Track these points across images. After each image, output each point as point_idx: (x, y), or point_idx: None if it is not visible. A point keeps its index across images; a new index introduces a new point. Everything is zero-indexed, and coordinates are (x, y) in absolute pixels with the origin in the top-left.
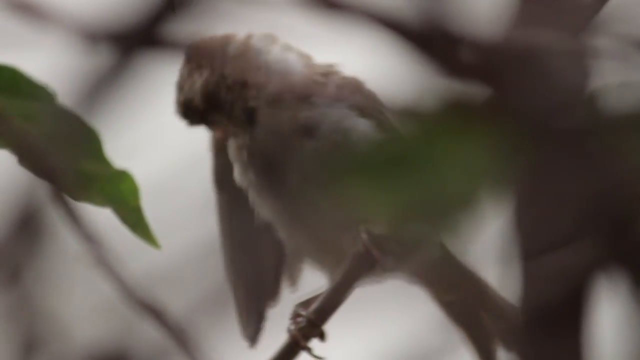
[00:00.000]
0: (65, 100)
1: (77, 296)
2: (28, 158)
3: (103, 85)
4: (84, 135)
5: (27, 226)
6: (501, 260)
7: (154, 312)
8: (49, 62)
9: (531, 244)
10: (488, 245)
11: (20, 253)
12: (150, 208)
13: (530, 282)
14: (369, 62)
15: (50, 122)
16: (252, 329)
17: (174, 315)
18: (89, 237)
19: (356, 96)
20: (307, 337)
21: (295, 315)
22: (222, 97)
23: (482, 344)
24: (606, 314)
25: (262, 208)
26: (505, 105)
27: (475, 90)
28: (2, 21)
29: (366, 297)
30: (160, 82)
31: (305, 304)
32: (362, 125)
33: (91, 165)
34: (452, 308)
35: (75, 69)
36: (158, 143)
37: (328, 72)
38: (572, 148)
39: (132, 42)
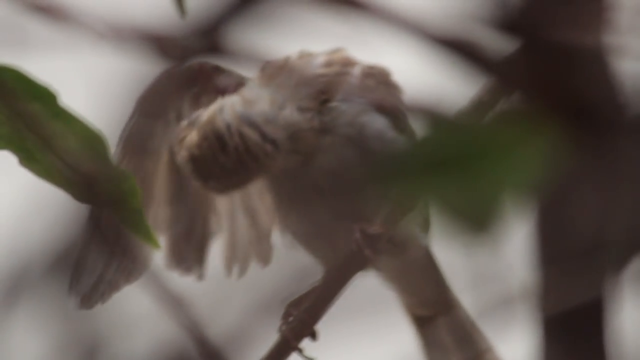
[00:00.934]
0: (102, 103)
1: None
2: (30, 159)
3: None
4: (86, 137)
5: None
6: (526, 265)
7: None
8: (82, 64)
9: (555, 249)
10: (514, 249)
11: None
12: None
13: (553, 287)
14: (409, 68)
15: (53, 124)
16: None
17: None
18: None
19: (379, 89)
20: (299, 337)
21: (287, 315)
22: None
23: (435, 355)
24: (629, 318)
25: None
26: (550, 108)
27: (517, 95)
28: (27, 23)
29: (357, 301)
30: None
31: (297, 302)
32: (378, 122)
33: (93, 166)
34: (419, 322)
35: (114, 72)
36: None
37: (352, 63)
38: (620, 150)
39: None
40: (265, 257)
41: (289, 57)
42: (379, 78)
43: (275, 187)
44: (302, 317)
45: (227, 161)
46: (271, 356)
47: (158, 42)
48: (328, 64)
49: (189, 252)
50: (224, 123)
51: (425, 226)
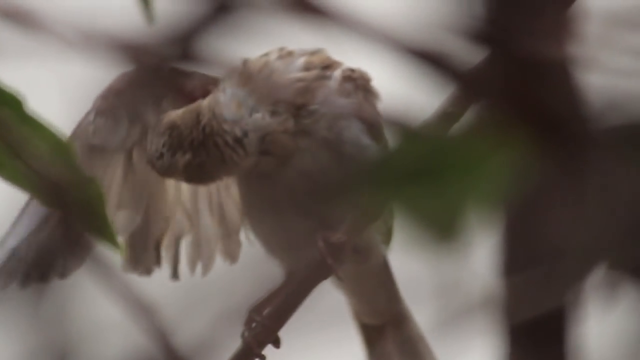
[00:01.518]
0: (73, 111)
1: (106, 305)
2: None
3: None
4: (52, 142)
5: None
6: (491, 274)
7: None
8: (53, 72)
9: (520, 258)
10: (480, 259)
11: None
12: None
13: (516, 295)
14: (380, 77)
15: (19, 130)
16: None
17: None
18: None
19: (358, 94)
20: (262, 344)
21: (249, 321)
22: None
23: None
24: (593, 328)
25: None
26: (517, 119)
27: (485, 105)
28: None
29: (319, 309)
30: None
31: (259, 308)
32: (355, 127)
33: (60, 172)
34: (368, 333)
35: (84, 80)
36: None
37: (332, 65)
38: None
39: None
40: (233, 254)
41: (269, 55)
42: (358, 83)
43: (246, 187)
44: (265, 323)
45: (198, 138)
46: None
47: (129, 50)
48: (307, 67)
49: (147, 253)
50: (204, 113)
51: (387, 236)
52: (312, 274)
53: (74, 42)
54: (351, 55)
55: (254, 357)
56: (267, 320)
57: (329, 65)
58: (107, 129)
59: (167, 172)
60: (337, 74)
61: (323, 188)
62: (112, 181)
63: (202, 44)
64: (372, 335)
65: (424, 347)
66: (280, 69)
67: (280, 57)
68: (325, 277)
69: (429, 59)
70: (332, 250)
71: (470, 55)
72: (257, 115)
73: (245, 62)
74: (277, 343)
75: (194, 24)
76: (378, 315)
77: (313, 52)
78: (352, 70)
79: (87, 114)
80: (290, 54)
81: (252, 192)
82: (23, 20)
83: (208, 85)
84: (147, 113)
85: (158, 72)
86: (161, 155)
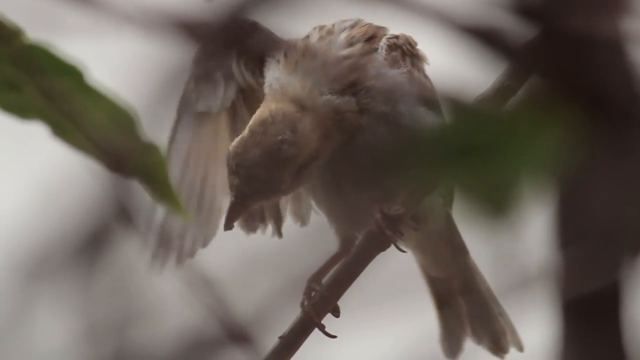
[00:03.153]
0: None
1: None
2: (61, 131)
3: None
4: (114, 111)
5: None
6: (545, 249)
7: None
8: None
9: (574, 234)
10: (533, 233)
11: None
12: None
13: (570, 270)
14: (433, 55)
15: (81, 100)
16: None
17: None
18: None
19: (406, 60)
20: (321, 314)
21: (309, 291)
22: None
23: (452, 330)
24: None
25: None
26: (568, 95)
27: (536, 81)
28: (56, 8)
29: (380, 281)
30: None
31: (318, 277)
32: (409, 97)
33: (121, 140)
34: (436, 285)
35: (142, 57)
36: None
37: (375, 34)
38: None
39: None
40: (303, 216)
41: (307, 39)
42: (405, 49)
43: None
44: (324, 292)
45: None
46: (293, 332)
47: (186, 26)
48: (350, 42)
49: (258, 212)
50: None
51: (449, 198)
52: (371, 244)
53: (133, 18)
54: (404, 32)
55: (313, 327)
56: (325, 289)
57: (372, 36)
58: (208, 92)
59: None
60: (382, 43)
61: (382, 161)
62: (223, 141)
63: (254, 19)
64: (440, 290)
65: (495, 305)
66: (324, 49)
67: (321, 37)
68: (383, 248)
69: (481, 35)
70: (389, 222)
71: (522, 31)
72: (328, 97)
73: (288, 49)
74: (336, 312)
75: (246, 2)
76: (444, 267)
77: (352, 25)
78: (397, 37)
79: (187, 83)
80: (330, 32)
81: (323, 172)
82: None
83: (277, 42)
84: (236, 70)
85: (235, 27)
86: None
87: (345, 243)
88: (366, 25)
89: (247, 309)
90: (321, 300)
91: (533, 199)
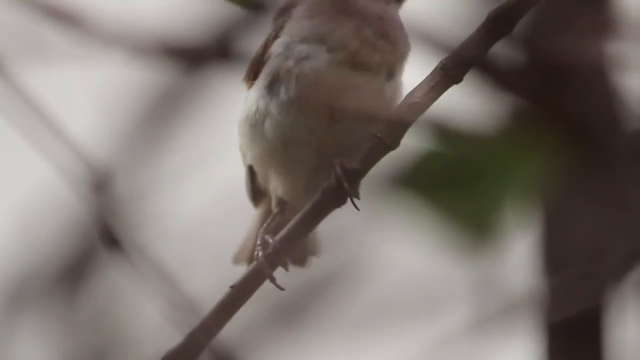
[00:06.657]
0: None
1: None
2: None
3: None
4: None
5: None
6: (529, 273)
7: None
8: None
9: (559, 257)
10: (518, 258)
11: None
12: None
13: (554, 295)
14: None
15: None
16: None
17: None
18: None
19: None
20: (273, 266)
21: (263, 243)
22: None
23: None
24: (630, 326)
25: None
26: (555, 119)
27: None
28: (43, 31)
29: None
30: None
31: (271, 230)
32: None
33: None
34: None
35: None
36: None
37: None
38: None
39: (202, 56)
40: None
41: None
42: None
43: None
44: (277, 246)
45: None
46: (245, 282)
47: (173, 49)
48: None
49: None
50: None
51: None
52: (326, 200)
53: (119, 41)
54: None
55: (264, 278)
56: (279, 243)
57: None
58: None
59: None
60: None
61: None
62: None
63: (240, 42)
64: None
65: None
66: None
67: None
68: (339, 205)
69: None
70: (348, 176)
71: (509, 57)
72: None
73: None
74: (286, 267)
75: (232, 24)
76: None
77: None
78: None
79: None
80: None
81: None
82: (67, 20)
83: None
84: None
85: None
86: None
87: (281, 204)
88: None
89: (231, 334)
90: (274, 252)
91: (517, 224)
